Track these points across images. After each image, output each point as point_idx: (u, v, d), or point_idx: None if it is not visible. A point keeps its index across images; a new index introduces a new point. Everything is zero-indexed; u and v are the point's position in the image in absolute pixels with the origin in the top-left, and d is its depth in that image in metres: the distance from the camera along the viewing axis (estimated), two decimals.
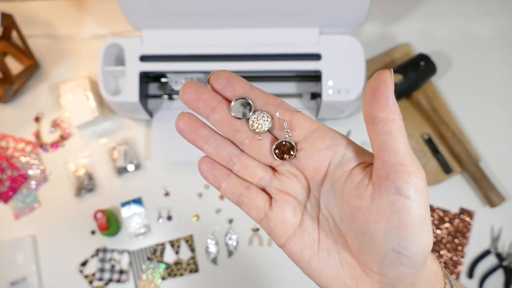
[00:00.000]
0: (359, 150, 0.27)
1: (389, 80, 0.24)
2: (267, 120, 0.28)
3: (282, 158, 0.28)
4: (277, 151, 0.28)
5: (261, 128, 0.28)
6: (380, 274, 0.26)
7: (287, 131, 0.28)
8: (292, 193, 0.29)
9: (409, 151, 0.24)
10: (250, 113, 0.28)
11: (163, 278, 0.82)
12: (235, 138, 0.29)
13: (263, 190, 0.30)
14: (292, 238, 0.28)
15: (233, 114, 0.28)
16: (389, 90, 0.23)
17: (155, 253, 0.83)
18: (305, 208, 0.29)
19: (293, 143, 0.28)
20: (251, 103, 0.28)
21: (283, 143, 0.28)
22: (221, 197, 0.86)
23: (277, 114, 0.28)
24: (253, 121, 0.28)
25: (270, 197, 0.29)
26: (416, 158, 0.24)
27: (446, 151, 0.84)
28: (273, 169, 0.30)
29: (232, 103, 0.28)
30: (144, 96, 0.81)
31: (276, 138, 0.29)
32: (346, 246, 0.28)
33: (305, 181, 0.29)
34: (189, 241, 0.84)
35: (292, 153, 0.28)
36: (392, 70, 0.24)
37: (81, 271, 0.83)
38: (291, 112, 0.28)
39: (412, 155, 0.24)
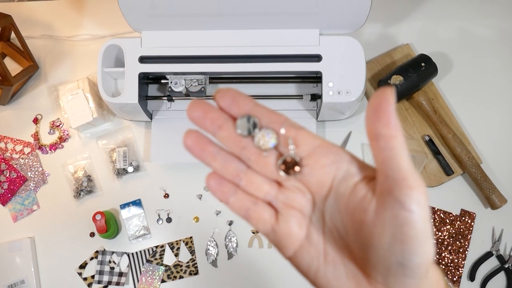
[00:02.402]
0: (362, 165, 0.28)
1: (391, 97, 0.24)
2: (272, 137, 0.29)
3: (287, 174, 0.29)
4: (282, 167, 0.29)
5: (267, 145, 0.29)
6: (385, 285, 0.27)
7: (292, 147, 0.29)
8: (297, 207, 0.30)
9: (411, 166, 0.25)
10: (256, 131, 0.29)
11: (163, 281, 0.82)
12: (242, 154, 0.30)
13: (269, 204, 0.30)
14: (298, 250, 0.29)
15: (239, 132, 0.29)
16: (391, 107, 0.25)
17: (154, 255, 0.83)
18: (311, 221, 0.30)
19: (297, 159, 0.29)
20: (256, 120, 0.29)
21: (288, 159, 0.29)
22: None
23: (282, 131, 0.29)
24: (259, 138, 0.29)
25: (276, 211, 0.30)
26: (418, 173, 0.26)
27: (447, 152, 0.84)
28: (279, 183, 0.30)
29: (238, 121, 0.29)
30: (144, 97, 0.80)
31: (281, 154, 0.30)
32: (351, 257, 0.28)
33: (310, 195, 0.30)
34: (189, 243, 0.83)
35: (297, 168, 0.29)
36: (394, 87, 0.25)
37: (80, 274, 0.82)
38: (295, 129, 0.29)
39: (413, 170, 0.25)
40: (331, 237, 0.29)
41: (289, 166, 0.29)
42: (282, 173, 0.29)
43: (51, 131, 0.89)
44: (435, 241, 0.81)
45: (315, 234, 0.30)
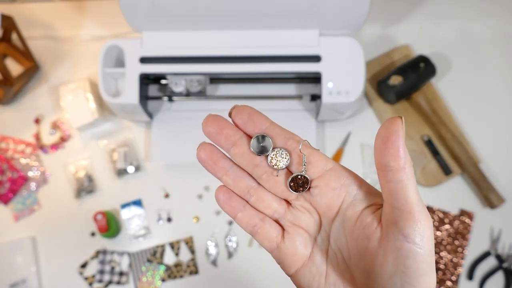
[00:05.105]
0: (371, 191, 0.29)
1: (400, 129, 0.24)
2: (285, 158, 0.29)
3: (296, 191, 0.29)
4: (292, 184, 0.29)
5: (280, 165, 0.29)
6: None
7: (304, 165, 0.29)
8: (304, 227, 0.30)
9: (418, 198, 0.25)
10: (270, 150, 0.29)
11: (163, 280, 0.82)
12: (254, 172, 0.30)
13: (277, 222, 0.31)
14: (301, 269, 0.30)
15: (252, 150, 0.29)
16: (399, 139, 0.24)
17: (155, 255, 0.83)
18: (316, 242, 0.30)
19: (308, 177, 0.29)
20: (270, 140, 0.29)
21: (299, 176, 0.29)
22: None
23: (300, 147, 0.29)
24: (272, 157, 0.29)
25: (283, 229, 0.31)
26: (425, 206, 0.25)
27: (446, 152, 0.84)
28: (288, 202, 0.31)
29: (252, 140, 0.29)
30: (144, 97, 0.81)
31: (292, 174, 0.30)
32: (352, 281, 0.28)
33: (317, 216, 0.30)
34: (189, 242, 0.84)
35: (306, 186, 0.29)
36: (403, 118, 0.25)
37: (81, 273, 0.83)
38: (310, 149, 0.29)
39: (420, 203, 0.25)
40: (334, 259, 0.29)
41: (298, 183, 0.29)
42: (291, 190, 0.29)
43: (52, 131, 0.89)
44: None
45: (319, 254, 0.30)
